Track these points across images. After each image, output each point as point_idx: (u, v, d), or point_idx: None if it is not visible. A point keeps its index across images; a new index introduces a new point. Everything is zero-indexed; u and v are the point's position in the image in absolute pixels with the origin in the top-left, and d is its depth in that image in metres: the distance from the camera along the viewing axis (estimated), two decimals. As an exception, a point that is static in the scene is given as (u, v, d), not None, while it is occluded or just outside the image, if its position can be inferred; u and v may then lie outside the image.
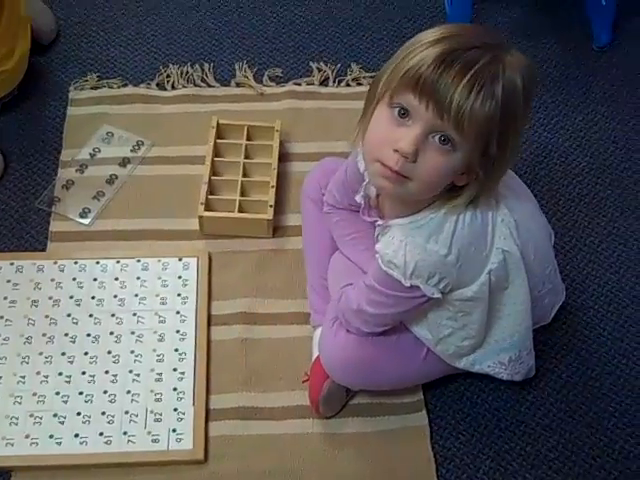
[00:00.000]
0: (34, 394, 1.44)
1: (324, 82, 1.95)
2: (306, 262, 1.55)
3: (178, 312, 1.55)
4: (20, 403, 1.43)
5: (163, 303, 1.56)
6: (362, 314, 1.29)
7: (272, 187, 1.67)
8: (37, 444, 1.38)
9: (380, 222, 1.28)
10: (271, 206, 1.64)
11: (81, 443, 1.39)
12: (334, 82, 1.95)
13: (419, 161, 1.09)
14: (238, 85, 1.94)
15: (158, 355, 1.49)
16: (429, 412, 1.46)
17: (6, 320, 1.52)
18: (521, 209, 1.26)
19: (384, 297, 1.24)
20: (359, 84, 1.93)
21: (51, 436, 1.39)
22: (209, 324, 1.54)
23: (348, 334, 1.34)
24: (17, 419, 1.41)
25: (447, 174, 1.13)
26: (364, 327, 1.31)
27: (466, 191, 1.16)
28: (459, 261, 1.18)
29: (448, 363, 1.38)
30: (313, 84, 1.94)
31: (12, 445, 1.38)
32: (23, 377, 1.46)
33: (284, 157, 1.77)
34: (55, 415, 1.42)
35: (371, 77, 1.91)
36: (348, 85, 1.94)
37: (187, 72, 1.95)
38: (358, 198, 1.34)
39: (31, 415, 1.41)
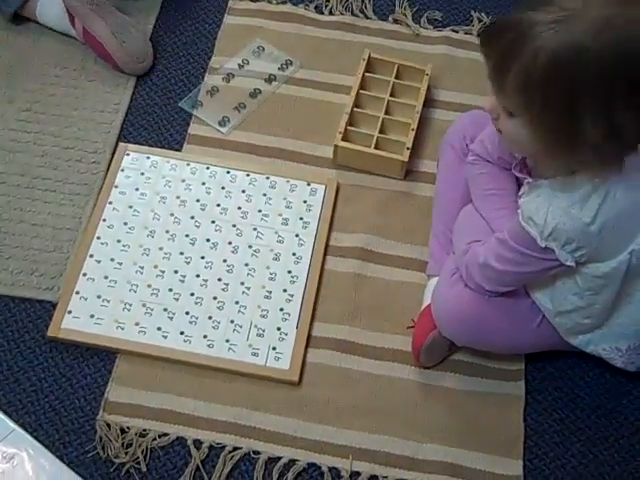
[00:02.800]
0: (149, 285, 1.48)
1: (482, 34, 1.89)
2: (434, 209, 1.53)
3: (297, 235, 1.56)
4: (135, 292, 1.47)
5: (284, 224, 1.57)
6: (487, 269, 1.27)
7: (412, 130, 1.65)
8: (145, 333, 1.43)
9: (530, 180, 1.24)
10: (408, 148, 1.62)
11: (185, 341, 1.43)
12: (493, 35, 1.89)
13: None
14: (395, 22, 1.90)
15: (271, 273, 1.51)
16: (527, 383, 1.44)
17: (134, 210, 1.57)
18: None
19: (514, 254, 1.22)
20: (518, 41, 1.87)
21: (159, 328, 1.44)
22: (325, 253, 1.55)
23: (465, 288, 1.32)
24: (130, 306, 1.46)
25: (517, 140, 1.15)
26: (485, 284, 1.29)
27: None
28: (601, 233, 1.14)
29: (561, 337, 1.35)
30: (471, 34, 1.89)
31: (122, 329, 1.43)
32: (142, 267, 1.50)
33: (429, 102, 1.74)
34: (165, 310, 1.46)
35: (532, 36, 1.84)
36: (507, 41, 1.88)
37: (347, -1, 1.93)
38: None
39: (144, 305, 1.46)
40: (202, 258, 1.52)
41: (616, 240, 1.17)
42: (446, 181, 1.51)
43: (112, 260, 1.51)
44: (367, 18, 1.90)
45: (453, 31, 1.89)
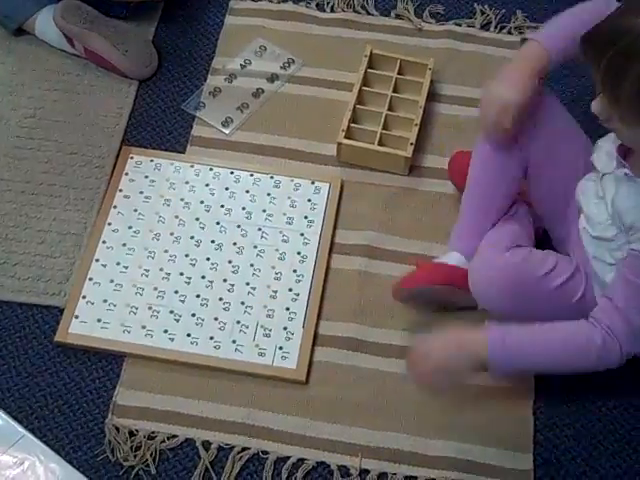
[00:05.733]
0: (155, 288, 1.49)
1: (485, 26, 1.88)
2: (466, 192, 1.47)
3: (302, 234, 1.56)
4: (141, 295, 1.48)
5: (289, 223, 1.57)
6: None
7: (415, 125, 1.64)
8: (152, 336, 1.44)
9: (627, 171, 1.22)
10: (412, 144, 1.62)
11: (192, 343, 1.43)
12: (495, 28, 1.88)
13: None
14: (397, 17, 1.90)
15: (276, 273, 1.51)
16: (536, 376, 1.43)
17: (139, 214, 1.57)
18: None
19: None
20: (521, 33, 1.85)
21: (165, 331, 1.44)
22: (331, 251, 1.55)
23: (510, 258, 1.32)
24: (136, 309, 1.47)
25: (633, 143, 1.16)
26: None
27: None
28: None
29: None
30: (474, 26, 1.88)
31: (129, 332, 1.44)
32: (147, 270, 1.51)
33: (432, 97, 1.74)
34: (171, 312, 1.46)
35: (535, 28, 1.83)
36: (510, 33, 1.87)
37: (348, -5, 1.92)
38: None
39: (150, 307, 1.47)
40: (207, 259, 1.52)
41: None
42: (482, 166, 1.45)
43: (118, 264, 1.51)
44: (369, 14, 1.90)
45: (456, 24, 1.88)
